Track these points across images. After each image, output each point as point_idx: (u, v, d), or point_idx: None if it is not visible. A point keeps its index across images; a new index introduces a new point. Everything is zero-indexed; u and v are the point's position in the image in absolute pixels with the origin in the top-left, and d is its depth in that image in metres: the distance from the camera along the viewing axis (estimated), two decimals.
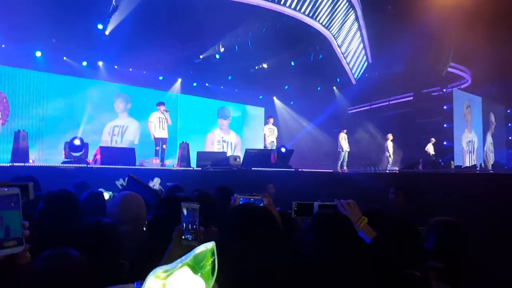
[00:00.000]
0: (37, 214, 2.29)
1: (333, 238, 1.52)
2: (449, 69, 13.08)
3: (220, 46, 11.49)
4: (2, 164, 5.91)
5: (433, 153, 12.34)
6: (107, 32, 9.75)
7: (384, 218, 2.15)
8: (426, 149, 12.40)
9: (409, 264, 1.56)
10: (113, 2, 8.92)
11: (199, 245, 0.66)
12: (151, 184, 4.06)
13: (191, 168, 8.21)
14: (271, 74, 13.20)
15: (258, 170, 7.56)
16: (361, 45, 13.47)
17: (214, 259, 0.66)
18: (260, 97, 15.55)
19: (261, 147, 12.40)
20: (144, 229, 2.45)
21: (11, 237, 0.91)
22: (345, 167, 11.71)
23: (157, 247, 1.78)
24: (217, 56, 11.86)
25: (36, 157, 9.36)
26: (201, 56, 11.87)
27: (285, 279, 1.31)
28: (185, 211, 1.44)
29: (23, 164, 5.95)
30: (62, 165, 6.44)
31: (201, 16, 9.23)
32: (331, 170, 9.62)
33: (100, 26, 9.65)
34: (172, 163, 9.93)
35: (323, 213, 1.81)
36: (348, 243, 1.51)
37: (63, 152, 7.13)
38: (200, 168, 8.03)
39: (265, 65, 13.00)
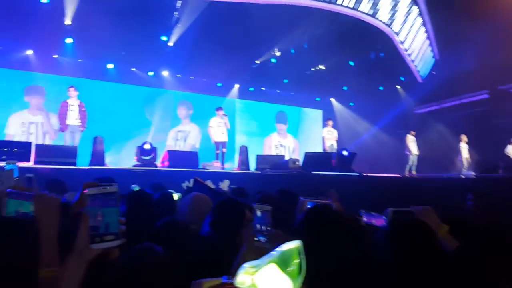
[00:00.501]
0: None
1: (414, 246, 1.43)
2: None
3: (276, 50, 11.54)
4: (82, 167, 6.47)
5: None
6: (170, 43, 10.28)
7: (466, 226, 1.97)
8: (506, 151, 11.31)
9: (505, 278, 1.40)
10: (175, 15, 9.37)
11: (271, 247, 0.66)
12: (220, 186, 4.17)
13: (250, 171, 8.32)
14: (328, 75, 12.95)
15: (319, 174, 7.42)
16: (427, 41, 12.71)
17: (301, 259, 0.66)
18: (318, 99, 15.32)
19: (320, 150, 12.21)
20: None
21: (110, 231, 0.98)
22: (413, 172, 11.07)
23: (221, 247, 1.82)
24: (273, 61, 11.93)
25: (110, 161, 10.11)
26: (257, 61, 12.03)
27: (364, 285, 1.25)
28: (258, 213, 1.47)
29: (100, 167, 6.44)
30: (133, 167, 6.87)
31: (257, 22, 9.37)
32: (399, 175, 9.14)
33: (164, 38, 10.19)
34: (231, 166, 10.16)
35: (402, 219, 1.71)
36: (430, 252, 1.41)
37: (135, 156, 7.63)
38: (259, 171, 8.10)
39: (322, 67, 12.78)
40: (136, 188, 3.53)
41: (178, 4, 9.15)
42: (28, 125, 10.25)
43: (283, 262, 0.65)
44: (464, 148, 11.28)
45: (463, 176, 8.95)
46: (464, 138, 11.32)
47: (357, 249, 1.43)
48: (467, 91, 13.47)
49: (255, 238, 1.46)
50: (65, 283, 1.02)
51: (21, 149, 6.48)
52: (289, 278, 0.64)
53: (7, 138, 9.61)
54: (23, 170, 5.35)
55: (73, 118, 8.21)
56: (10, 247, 1.11)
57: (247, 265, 0.65)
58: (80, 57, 10.59)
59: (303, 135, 15.08)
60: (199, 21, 9.34)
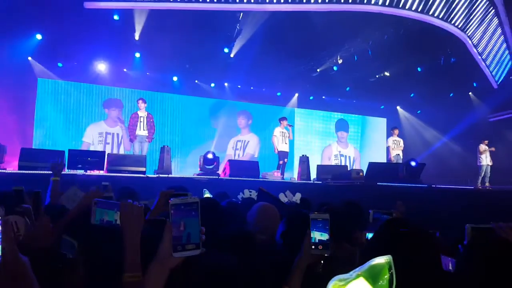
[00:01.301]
0: None
1: (499, 268, 1.28)
2: None
3: (338, 58, 11.33)
4: (150, 175, 6.82)
5: None
6: (232, 55, 10.56)
7: None
8: None
9: None
10: (237, 27, 9.62)
11: (329, 255, 0.64)
12: (293, 199, 4.18)
13: (311, 181, 8.19)
14: (393, 82, 12.43)
15: (384, 185, 7.09)
16: (504, 45, 11.70)
17: (392, 273, 0.63)
18: (382, 106, 14.74)
19: (383, 160, 11.68)
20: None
21: (191, 241, 1.00)
22: (487, 183, 10.19)
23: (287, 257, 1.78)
24: (335, 68, 11.73)
25: (175, 168, 10.59)
26: (318, 70, 11.91)
27: None
28: (316, 222, 1.50)
29: (167, 175, 6.76)
30: (197, 176, 7.11)
31: (318, 30, 9.33)
32: (472, 187, 8.45)
33: (226, 50, 10.51)
34: (289, 176, 10.09)
35: (483, 238, 1.56)
36: None
37: (199, 164, 7.90)
38: (320, 182, 7.95)
39: (387, 73, 12.28)
40: (206, 192, 3.63)
41: (240, 16, 9.37)
42: (105, 135, 11.03)
43: (373, 276, 0.62)
44: None
45: None
46: None
47: (435, 267, 1.33)
48: None
49: (312, 247, 1.49)
50: None
51: (95, 158, 6.98)
52: None
53: (83, 146, 10.49)
54: (100, 178, 5.80)
55: (142, 128, 8.71)
56: (99, 253, 1.18)
57: (336, 278, 0.63)
58: (147, 70, 11.26)
59: (365, 144, 14.58)
60: (260, 32, 9.50)
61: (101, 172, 6.75)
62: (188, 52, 10.30)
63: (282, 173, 9.07)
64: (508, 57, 12.07)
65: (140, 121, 8.75)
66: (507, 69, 12.39)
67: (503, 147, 12.38)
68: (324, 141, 14.00)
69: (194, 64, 11.04)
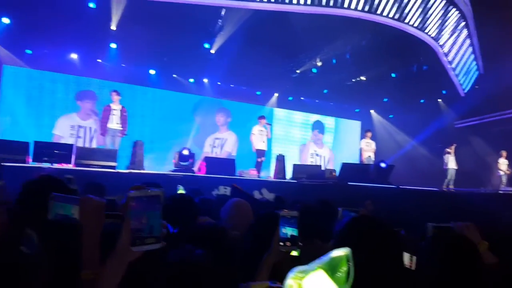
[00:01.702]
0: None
1: (456, 263, 1.40)
2: None
3: (318, 60, 11.49)
4: (122, 171, 6.67)
5: None
6: (212, 51, 10.47)
7: (505, 241, 1.91)
8: None
9: None
10: (219, 22, 9.55)
11: (297, 252, 0.66)
12: (265, 196, 4.23)
13: (287, 180, 8.29)
14: (369, 87, 12.73)
15: (355, 185, 7.28)
16: (472, 56, 12.24)
17: (350, 266, 0.65)
18: (357, 110, 15.08)
19: (356, 162, 11.95)
20: None
21: (153, 235, 0.98)
22: (451, 186, 10.66)
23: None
24: (314, 70, 11.89)
25: (148, 165, 10.41)
26: (297, 71, 12.03)
27: None
28: (284, 219, 1.50)
29: (139, 171, 6.65)
30: (172, 173, 7.04)
31: (299, 30, 9.39)
32: (437, 189, 8.81)
33: (206, 46, 10.39)
34: (266, 174, 10.16)
35: (444, 235, 1.68)
36: (473, 269, 1.38)
37: (173, 161, 7.81)
38: (295, 181, 8.06)
39: (363, 78, 12.59)
40: (180, 188, 3.63)
41: (223, 12, 9.28)
42: (78, 128, 10.64)
43: (332, 269, 0.65)
44: (503, 163, 10.81)
45: (501, 192, 8.53)
46: (504, 153, 10.85)
47: (397, 262, 1.41)
48: (510, 106, 12.82)
49: (281, 243, 1.49)
50: (104, 284, 1.02)
51: (62, 151, 6.67)
52: (337, 285, 0.65)
53: (55, 139, 10.02)
54: (65, 172, 5.58)
55: (114, 122, 8.37)
56: (54, 249, 1.13)
57: (296, 270, 0.66)
58: (123, 62, 10.89)
59: (339, 145, 14.87)
60: (242, 30, 9.45)
61: (69, 166, 6.52)
62: (167, 45, 10.05)
63: (259, 171, 9.13)
64: (475, 67, 12.62)
65: (113, 114, 8.36)
66: (473, 78, 12.95)
67: (468, 152, 12.97)
68: (301, 141, 14.18)
69: (173, 58, 10.79)
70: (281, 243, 1.49)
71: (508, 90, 12.00)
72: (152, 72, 11.50)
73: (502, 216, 4.34)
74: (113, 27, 9.22)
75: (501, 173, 10.92)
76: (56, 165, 6.30)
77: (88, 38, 9.52)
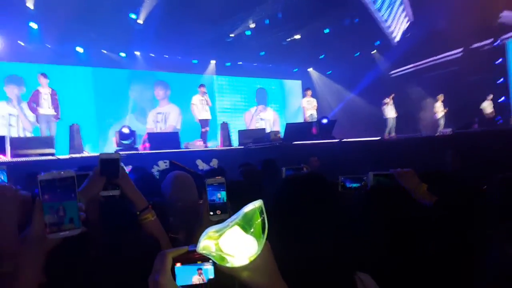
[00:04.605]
0: None
1: (389, 208, 1.47)
2: (501, 20, 12.01)
3: (250, 22, 11.30)
4: (61, 157, 6.31)
5: (491, 110, 11.53)
6: (140, 21, 9.92)
7: (444, 180, 2.04)
8: (481, 107, 11.61)
9: (477, 225, 1.46)
10: None
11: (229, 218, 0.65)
12: (211, 164, 4.21)
13: (233, 147, 8.31)
14: (304, 45, 12.85)
15: (300, 143, 7.48)
16: (402, 6, 12.68)
17: (263, 218, 0.65)
18: (295, 69, 15.23)
19: (301, 121, 12.23)
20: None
21: (70, 220, 0.93)
22: (393, 134, 11.28)
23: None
24: (248, 33, 11.70)
25: (91, 148, 9.92)
26: (231, 35, 11.78)
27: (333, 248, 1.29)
28: (211, 187, 1.46)
29: (80, 155, 6.31)
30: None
31: None
32: (379, 138, 9.30)
33: (133, 16, 9.81)
34: (214, 144, 10.12)
35: (382, 183, 1.75)
36: (405, 213, 1.46)
37: (114, 140, 7.50)
38: (242, 147, 8.10)
39: (297, 36, 12.63)
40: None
41: None
42: (8, 117, 9.87)
43: (246, 223, 0.64)
44: (440, 106, 11.51)
45: (440, 134, 9.20)
46: (440, 97, 11.55)
47: (332, 210, 1.45)
48: (442, 51, 13.66)
49: (211, 212, 1.45)
50: (21, 276, 0.96)
51: None
52: (254, 238, 0.64)
53: None
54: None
55: (46, 107, 7.89)
56: None
57: (210, 229, 0.64)
58: (47, 42, 10.11)
59: (284, 107, 15.09)
60: None
61: (4, 158, 6.05)
62: (91, 20, 9.41)
63: (205, 142, 9.04)
64: (405, 16, 13.14)
65: (43, 99, 7.86)
66: (404, 27, 13.51)
67: (405, 99, 13.76)
68: (246, 107, 14.16)
69: (100, 32, 10.16)
70: (211, 213, 1.45)
71: (438, 35, 12.70)
72: (79, 49, 10.76)
73: (441, 157, 4.69)
74: (30, 5, 8.45)
75: (438, 116, 11.56)
76: None
77: (5, 19, 8.68)
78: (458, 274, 1.40)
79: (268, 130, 10.20)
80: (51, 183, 0.92)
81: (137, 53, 11.67)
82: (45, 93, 7.93)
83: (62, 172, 0.93)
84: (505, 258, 1.32)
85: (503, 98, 12.83)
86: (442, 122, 11.52)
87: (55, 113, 7.98)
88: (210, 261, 0.65)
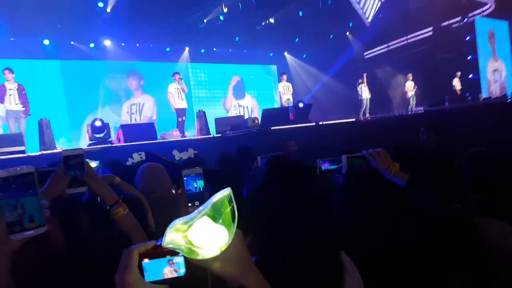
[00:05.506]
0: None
1: (367, 198, 1.47)
2: None
3: (223, 7, 11.09)
4: (32, 154, 6.11)
5: (460, 87, 11.85)
6: (108, 9, 9.58)
7: (416, 156, 2.07)
8: (453, 84, 11.91)
9: (449, 199, 1.49)
10: None
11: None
12: (186, 155, 4.17)
13: (211, 136, 8.23)
14: (279, 29, 12.74)
15: (278, 129, 7.48)
16: None
17: (233, 206, 0.63)
18: (271, 54, 15.13)
19: (279, 106, 12.23)
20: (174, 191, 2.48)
21: (34, 221, 0.88)
22: (367, 115, 11.44)
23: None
24: (221, 18, 11.49)
25: (63, 143, 9.63)
26: (205, 20, 11.54)
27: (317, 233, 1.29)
28: (188, 177, 1.42)
29: (51, 151, 6.12)
30: (88, 147, 6.58)
31: None
32: (354, 119, 9.42)
33: (100, 4, 9.46)
34: (192, 133, 10.00)
35: (355, 165, 1.77)
36: (378, 195, 1.47)
37: (87, 135, 7.31)
38: (220, 135, 8.03)
39: (271, 20, 12.50)
40: (91, 162, 3.39)
41: None
42: None
43: (216, 213, 0.62)
44: (411, 85, 11.75)
45: (413, 112, 9.40)
46: (409, 76, 11.81)
47: (307, 193, 1.45)
48: (413, 30, 13.86)
49: (189, 204, 1.41)
50: None
51: None
52: (224, 227, 0.62)
53: None
54: None
55: (13, 103, 7.62)
56: None
57: (177, 222, 0.62)
58: (11, 35, 9.67)
59: (261, 93, 15.01)
60: None
61: None
62: (57, 10, 9.02)
63: (182, 131, 8.92)
64: None
65: (10, 94, 7.59)
66: (377, 7, 13.59)
67: (379, 79, 13.95)
68: (222, 94, 14.01)
69: (67, 23, 9.78)
70: (189, 204, 1.40)
71: (409, 15, 12.86)
72: (46, 42, 10.33)
73: (415, 134, 4.78)
74: None
75: (409, 95, 11.81)
76: None
77: None
78: (434, 251, 1.43)
79: (247, 116, 10.17)
80: (6, 181, 0.86)
81: (107, 43, 11.29)
82: (11, 88, 7.63)
83: (19, 169, 0.87)
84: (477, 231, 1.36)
85: (471, 75, 13.20)
86: (412, 101, 11.79)
87: (23, 109, 7.71)
88: (180, 254, 0.62)
